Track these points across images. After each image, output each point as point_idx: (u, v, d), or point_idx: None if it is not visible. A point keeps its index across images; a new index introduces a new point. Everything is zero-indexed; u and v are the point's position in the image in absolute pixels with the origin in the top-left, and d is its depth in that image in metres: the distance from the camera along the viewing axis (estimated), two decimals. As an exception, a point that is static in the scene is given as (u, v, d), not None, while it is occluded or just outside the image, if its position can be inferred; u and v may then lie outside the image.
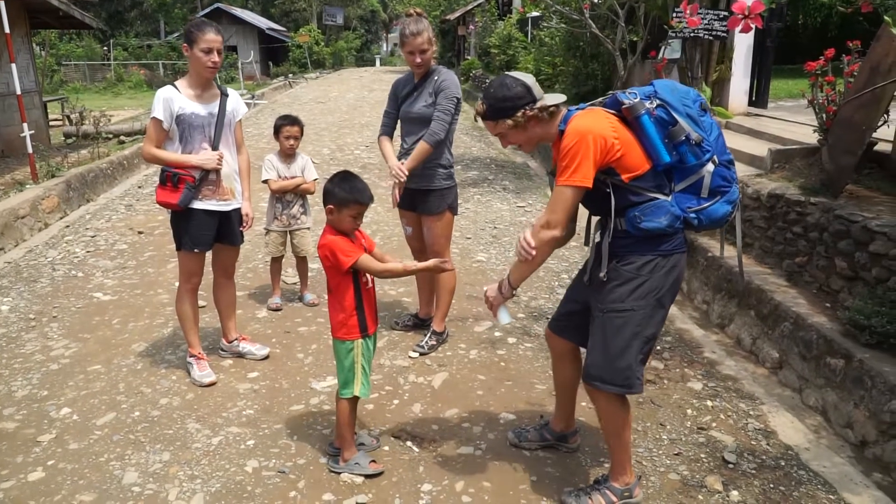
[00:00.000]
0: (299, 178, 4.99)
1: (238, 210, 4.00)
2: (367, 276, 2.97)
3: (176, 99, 3.65)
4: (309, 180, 5.01)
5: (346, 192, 2.84)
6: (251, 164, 4.18)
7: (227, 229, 3.97)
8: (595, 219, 2.77)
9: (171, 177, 3.69)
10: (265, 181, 4.97)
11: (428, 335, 4.41)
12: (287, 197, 5.05)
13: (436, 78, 4.02)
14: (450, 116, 4.00)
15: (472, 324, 4.84)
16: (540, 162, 10.79)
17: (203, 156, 3.73)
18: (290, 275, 5.69)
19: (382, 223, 7.44)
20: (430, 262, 3.03)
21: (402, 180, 3.94)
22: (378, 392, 3.85)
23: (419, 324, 4.71)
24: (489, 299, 2.72)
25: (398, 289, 5.53)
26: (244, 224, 4.05)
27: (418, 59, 3.95)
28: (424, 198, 4.15)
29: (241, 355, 4.28)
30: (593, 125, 2.45)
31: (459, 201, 4.14)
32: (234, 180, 3.92)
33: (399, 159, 4.13)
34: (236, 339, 4.32)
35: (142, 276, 5.83)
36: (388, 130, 4.21)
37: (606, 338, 2.62)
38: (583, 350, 2.83)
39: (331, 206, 2.86)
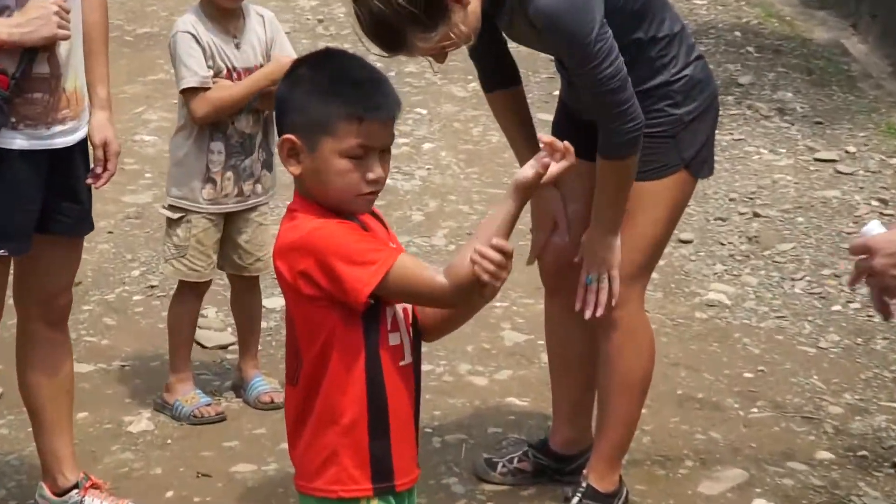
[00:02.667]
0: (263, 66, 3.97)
1: (83, 142, 3.44)
2: (397, 322, 2.19)
3: None
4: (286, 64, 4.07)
5: (340, 96, 2.07)
6: (108, 27, 3.50)
7: (57, 194, 3.37)
8: None
9: None
10: (190, 89, 3.86)
11: (576, 499, 3.50)
12: (240, 123, 4.00)
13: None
14: (611, 67, 3.26)
15: (698, 471, 3.70)
16: (874, 39, 8.82)
17: (32, 13, 3.16)
18: (210, 321, 4.60)
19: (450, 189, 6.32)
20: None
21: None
22: None
23: (550, 467, 3.72)
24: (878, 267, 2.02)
25: (496, 372, 4.38)
26: (98, 170, 3.41)
27: None
28: None
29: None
30: None
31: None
32: (81, 70, 3.33)
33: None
34: (74, 489, 3.52)
35: None
36: (502, 77, 3.64)
37: None
38: None
39: (291, 138, 2.09)
